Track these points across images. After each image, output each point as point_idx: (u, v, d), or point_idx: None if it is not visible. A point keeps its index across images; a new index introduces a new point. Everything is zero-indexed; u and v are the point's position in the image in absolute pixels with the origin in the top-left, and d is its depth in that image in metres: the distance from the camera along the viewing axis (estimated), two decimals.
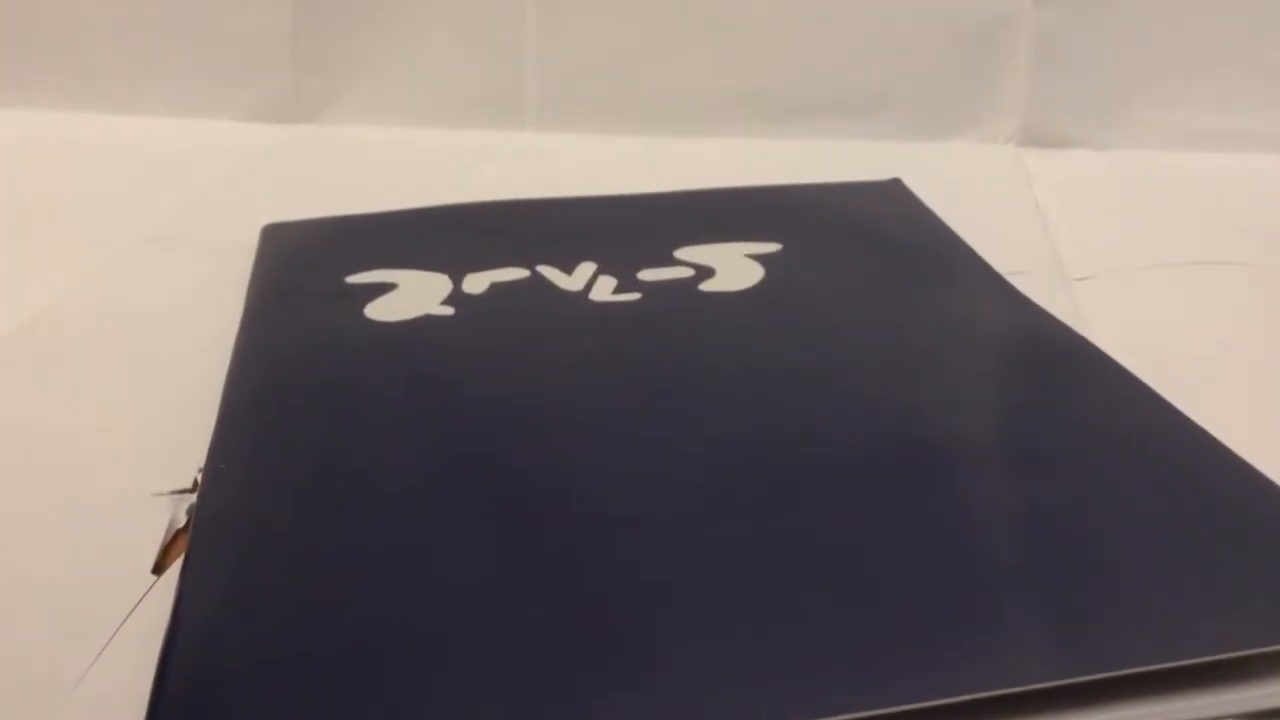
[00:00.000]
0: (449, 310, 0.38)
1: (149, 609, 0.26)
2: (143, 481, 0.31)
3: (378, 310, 0.38)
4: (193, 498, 0.30)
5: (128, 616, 0.26)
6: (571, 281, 0.40)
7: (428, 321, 0.38)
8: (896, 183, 0.50)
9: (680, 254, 0.42)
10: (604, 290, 0.39)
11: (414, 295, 0.39)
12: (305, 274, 0.42)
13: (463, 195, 0.49)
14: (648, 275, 0.40)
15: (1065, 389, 0.32)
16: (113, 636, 0.25)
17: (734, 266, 0.41)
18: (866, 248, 0.43)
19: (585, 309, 0.38)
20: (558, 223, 0.46)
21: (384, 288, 0.40)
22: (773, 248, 0.42)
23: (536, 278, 0.40)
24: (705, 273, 0.40)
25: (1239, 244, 0.46)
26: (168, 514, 0.30)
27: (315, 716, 0.22)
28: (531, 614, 0.24)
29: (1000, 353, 0.36)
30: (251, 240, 0.46)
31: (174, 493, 0.30)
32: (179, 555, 0.27)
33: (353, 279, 0.41)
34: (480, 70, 0.63)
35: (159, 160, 0.60)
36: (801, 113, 0.61)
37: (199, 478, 0.30)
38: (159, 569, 0.28)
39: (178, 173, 0.58)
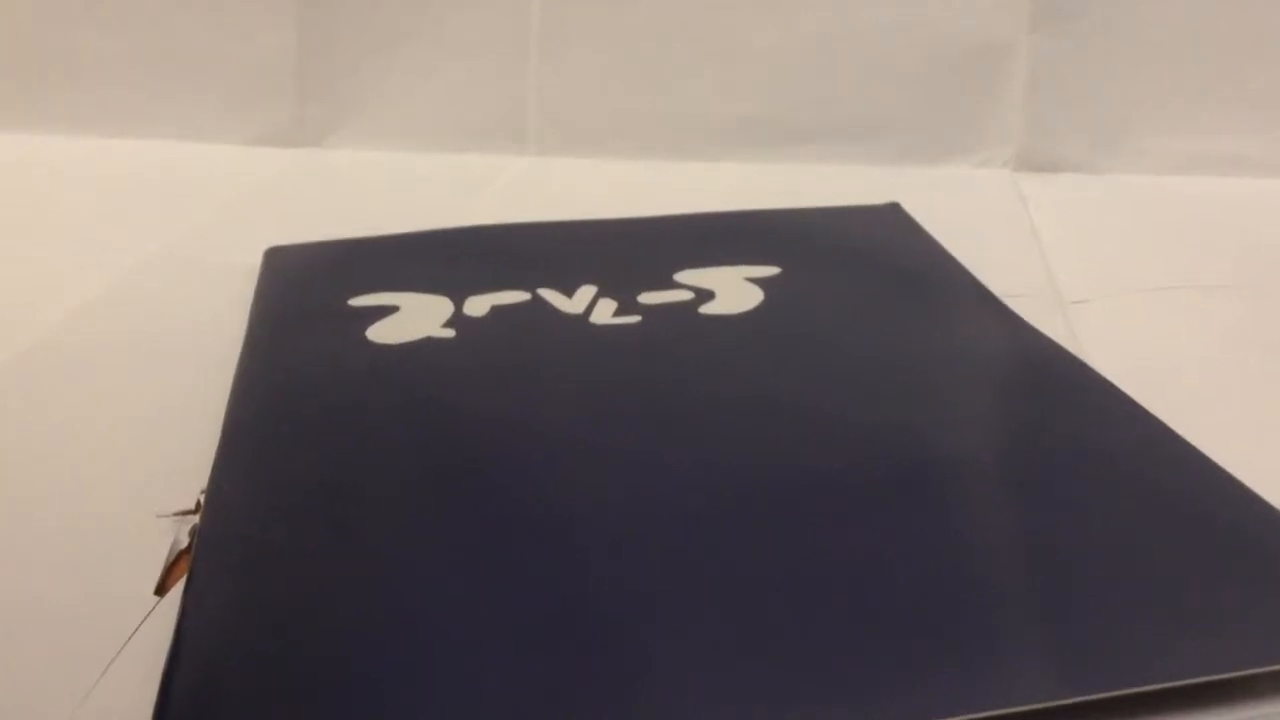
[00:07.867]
0: (450, 333, 0.39)
1: (152, 630, 0.26)
2: (146, 503, 0.31)
3: (380, 332, 0.39)
4: (196, 519, 0.30)
5: (130, 637, 0.26)
6: (572, 304, 0.40)
7: (429, 344, 0.38)
8: (894, 207, 0.51)
9: (680, 277, 0.42)
10: (604, 313, 0.39)
11: (416, 317, 0.40)
12: (308, 296, 0.43)
13: (464, 219, 0.50)
14: (648, 298, 0.40)
15: (1062, 412, 0.33)
16: (115, 657, 0.25)
17: (734, 289, 0.41)
18: (865, 271, 0.44)
19: (586, 331, 0.38)
20: (558, 246, 0.46)
21: (386, 310, 0.40)
22: (772, 271, 0.43)
23: (537, 300, 0.41)
24: (705, 295, 0.41)
25: (1234, 267, 0.47)
26: (171, 535, 0.30)
27: None
28: (530, 634, 0.24)
29: (997, 376, 0.36)
30: (254, 263, 0.46)
31: (177, 514, 0.30)
32: (182, 576, 0.28)
33: (355, 301, 0.41)
34: (482, 95, 0.64)
35: (163, 184, 0.60)
36: (800, 137, 0.62)
37: (202, 499, 0.30)
38: (162, 590, 0.28)
39: (181, 196, 0.58)
